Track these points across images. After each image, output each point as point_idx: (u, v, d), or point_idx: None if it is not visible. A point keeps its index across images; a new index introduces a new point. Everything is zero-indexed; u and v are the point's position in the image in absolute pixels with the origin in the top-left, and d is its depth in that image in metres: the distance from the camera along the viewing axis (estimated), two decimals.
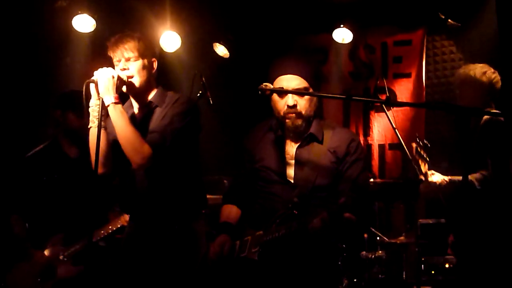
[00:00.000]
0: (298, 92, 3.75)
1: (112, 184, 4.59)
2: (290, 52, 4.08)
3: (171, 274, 3.86)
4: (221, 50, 6.61)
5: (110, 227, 4.65)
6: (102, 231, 4.61)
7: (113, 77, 3.70)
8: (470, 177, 4.42)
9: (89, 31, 5.86)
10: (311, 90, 3.83)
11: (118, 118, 3.70)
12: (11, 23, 5.87)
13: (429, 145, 4.28)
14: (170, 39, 6.31)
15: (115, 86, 3.70)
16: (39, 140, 4.94)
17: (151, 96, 3.98)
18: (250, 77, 3.87)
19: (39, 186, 4.74)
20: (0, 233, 4.79)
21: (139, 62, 3.86)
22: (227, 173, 6.27)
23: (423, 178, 4.41)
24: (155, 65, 3.97)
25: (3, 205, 4.77)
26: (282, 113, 3.81)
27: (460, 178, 4.36)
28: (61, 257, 4.62)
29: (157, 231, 3.91)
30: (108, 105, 3.69)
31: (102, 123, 3.67)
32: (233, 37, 6.52)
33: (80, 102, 4.53)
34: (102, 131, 3.66)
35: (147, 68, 3.91)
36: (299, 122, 3.80)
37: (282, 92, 3.74)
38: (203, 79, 5.35)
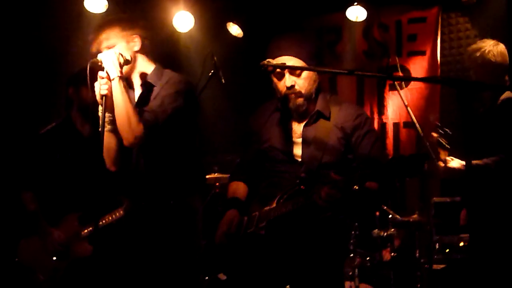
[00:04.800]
0: (299, 68, 3.75)
1: None
2: (285, 33, 4.02)
3: (168, 250, 3.82)
4: (234, 30, 6.60)
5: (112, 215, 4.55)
6: (105, 219, 4.51)
7: (116, 53, 3.67)
8: (487, 160, 4.38)
9: (101, 12, 5.87)
10: None
11: (121, 93, 3.62)
12: (23, 4, 5.90)
13: (450, 132, 4.24)
14: (183, 19, 6.30)
15: (118, 62, 3.66)
16: (51, 119, 4.94)
17: (148, 74, 3.90)
18: (263, 57, 3.86)
19: (52, 164, 4.73)
20: (12, 209, 4.81)
21: (121, 45, 3.79)
22: (239, 152, 6.30)
23: (442, 164, 4.39)
24: (139, 42, 3.85)
25: (16, 182, 4.79)
26: (283, 94, 3.81)
27: (478, 162, 4.34)
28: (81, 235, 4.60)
29: (153, 208, 3.87)
30: (113, 79, 3.63)
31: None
32: (246, 16, 6.50)
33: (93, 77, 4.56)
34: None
35: (130, 48, 3.82)
36: (301, 101, 3.81)
37: (284, 68, 3.74)
38: (215, 58, 5.35)
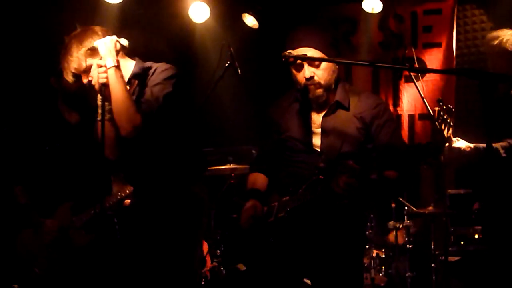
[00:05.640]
0: (320, 59, 3.74)
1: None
2: (303, 24, 4.02)
3: (175, 238, 3.84)
4: (250, 20, 6.60)
5: (118, 194, 4.50)
6: (110, 200, 4.28)
7: (112, 40, 3.66)
8: (495, 145, 4.37)
9: (118, 2, 5.88)
10: None
11: (118, 82, 3.63)
12: None
13: (453, 109, 4.19)
14: (199, 10, 6.31)
15: (115, 49, 3.65)
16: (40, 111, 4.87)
17: (130, 70, 3.88)
18: (279, 47, 3.86)
19: (42, 155, 4.66)
20: (5, 203, 4.77)
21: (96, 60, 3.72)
22: (255, 143, 6.31)
23: (446, 144, 4.35)
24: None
25: (6, 176, 4.75)
26: (302, 85, 3.82)
27: (484, 145, 4.32)
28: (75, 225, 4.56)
29: (158, 198, 3.89)
30: (110, 68, 3.63)
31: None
32: (261, 7, 6.49)
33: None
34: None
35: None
36: (320, 92, 3.80)
37: (305, 59, 3.74)
38: (231, 49, 5.35)
